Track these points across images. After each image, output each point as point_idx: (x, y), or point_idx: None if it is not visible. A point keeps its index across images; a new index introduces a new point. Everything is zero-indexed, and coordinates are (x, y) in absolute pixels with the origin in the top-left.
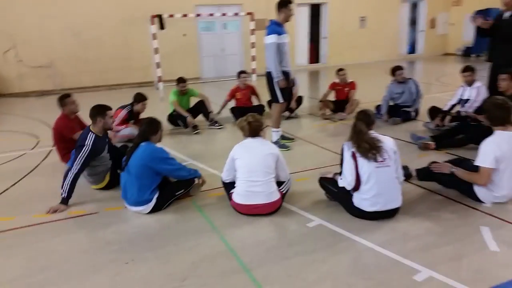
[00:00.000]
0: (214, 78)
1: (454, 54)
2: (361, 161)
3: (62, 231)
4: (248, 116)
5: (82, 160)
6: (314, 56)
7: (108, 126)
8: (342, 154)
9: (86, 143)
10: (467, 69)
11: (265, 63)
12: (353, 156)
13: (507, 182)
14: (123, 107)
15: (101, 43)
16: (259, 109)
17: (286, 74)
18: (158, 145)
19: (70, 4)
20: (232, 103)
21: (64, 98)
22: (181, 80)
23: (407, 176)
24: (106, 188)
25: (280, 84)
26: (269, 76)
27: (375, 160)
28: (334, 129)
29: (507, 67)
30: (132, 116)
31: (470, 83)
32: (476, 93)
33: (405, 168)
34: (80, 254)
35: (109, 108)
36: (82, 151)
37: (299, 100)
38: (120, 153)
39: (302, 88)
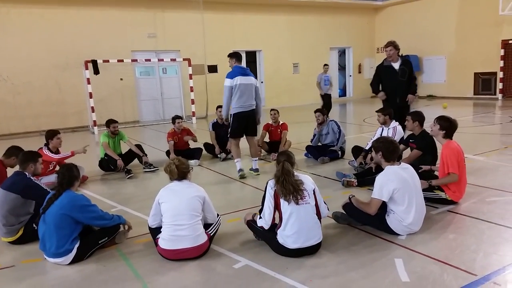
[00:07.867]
0: (153, 122)
1: None
2: (283, 200)
3: None
4: (175, 159)
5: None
6: None
7: (38, 172)
8: (265, 192)
9: (36, 183)
10: (378, 111)
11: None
12: (275, 196)
13: (413, 212)
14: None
15: (32, 88)
16: (198, 150)
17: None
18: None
19: None
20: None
21: (14, 149)
22: (112, 121)
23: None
24: (17, 242)
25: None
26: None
27: (296, 200)
28: (269, 168)
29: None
30: None
31: (384, 123)
32: (392, 133)
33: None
34: None
35: (40, 155)
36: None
37: None
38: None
39: None
